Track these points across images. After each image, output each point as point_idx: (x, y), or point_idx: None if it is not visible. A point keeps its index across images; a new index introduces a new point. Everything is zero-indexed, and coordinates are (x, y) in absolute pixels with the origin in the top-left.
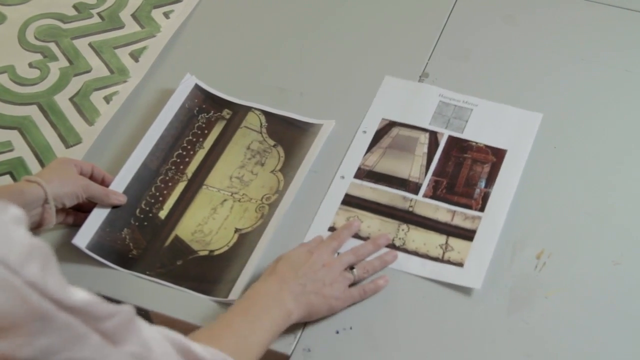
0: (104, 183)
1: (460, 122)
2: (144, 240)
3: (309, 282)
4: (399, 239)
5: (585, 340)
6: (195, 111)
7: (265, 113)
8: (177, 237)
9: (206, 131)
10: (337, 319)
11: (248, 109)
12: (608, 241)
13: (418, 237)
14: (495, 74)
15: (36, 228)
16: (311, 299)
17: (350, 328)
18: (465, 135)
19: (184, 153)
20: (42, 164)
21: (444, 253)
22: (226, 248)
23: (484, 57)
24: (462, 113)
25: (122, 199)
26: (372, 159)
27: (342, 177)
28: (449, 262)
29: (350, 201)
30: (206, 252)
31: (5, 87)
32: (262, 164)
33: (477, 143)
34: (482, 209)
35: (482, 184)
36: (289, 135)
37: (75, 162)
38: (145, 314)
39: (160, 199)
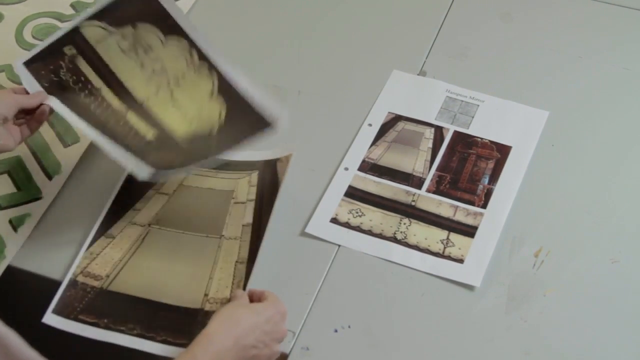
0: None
1: (467, 118)
2: None
3: (261, 346)
4: (401, 232)
5: (584, 337)
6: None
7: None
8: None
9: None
10: (335, 318)
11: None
12: (606, 239)
13: (419, 232)
14: (492, 72)
15: None
16: None
17: (349, 327)
18: (471, 130)
19: None
20: (40, 164)
21: (444, 248)
22: None
23: (481, 55)
24: (468, 109)
25: (45, 97)
26: (376, 152)
27: (346, 169)
28: (449, 257)
29: (353, 193)
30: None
31: (3, 86)
32: None
33: (482, 139)
34: (484, 206)
35: (486, 180)
36: None
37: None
38: None
39: None
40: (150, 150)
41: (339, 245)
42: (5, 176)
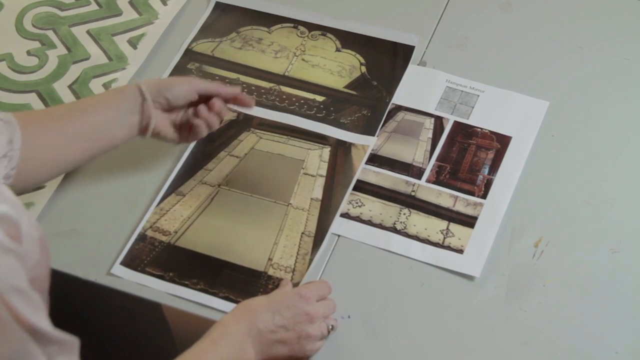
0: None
1: (467, 108)
2: None
3: (282, 331)
4: (400, 222)
5: (583, 328)
6: None
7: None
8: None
9: None
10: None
11: None
12: (606, 229)
13: (419, 222)
14: (492, 62)
15: (143, 133)
16: (276, 350)
17: (349, 317)
18: (471, 121)
19: None
20: None
21: (444, 238)
22: None
23: (481, 45)
24: (468, 99)
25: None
26: (376, 142)
27: None
28: (449, 248)
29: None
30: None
31: (3, 75)
32: None
33: (482, 129)
34: (484, 196)
35: (486, 170)
36: None
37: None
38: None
39: None
40: (331, 109)
41: (339, 236)
42: None
